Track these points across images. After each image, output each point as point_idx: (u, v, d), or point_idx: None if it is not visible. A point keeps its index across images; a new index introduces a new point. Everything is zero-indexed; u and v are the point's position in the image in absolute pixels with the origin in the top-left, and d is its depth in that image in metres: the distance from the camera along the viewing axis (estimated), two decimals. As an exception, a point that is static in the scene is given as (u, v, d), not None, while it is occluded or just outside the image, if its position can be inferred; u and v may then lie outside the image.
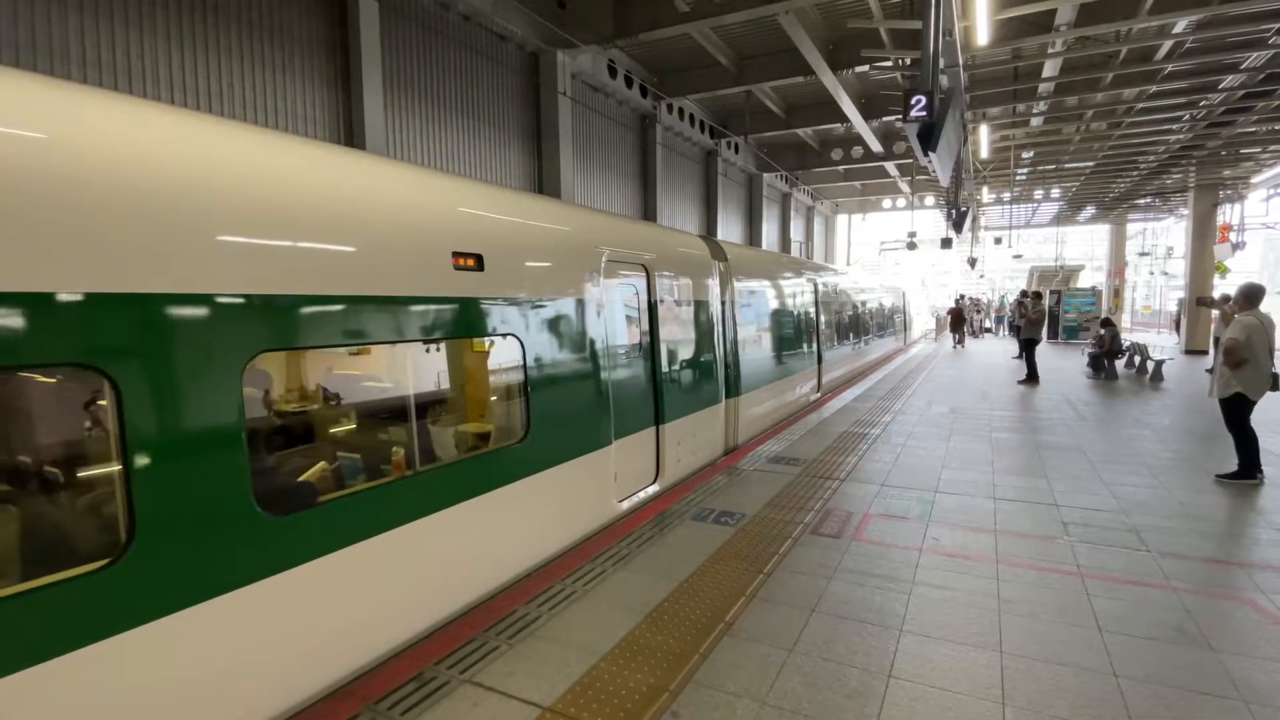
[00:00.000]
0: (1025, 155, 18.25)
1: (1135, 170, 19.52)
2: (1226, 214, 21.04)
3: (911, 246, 27.86)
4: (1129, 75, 11.92)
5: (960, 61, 8.89)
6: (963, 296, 32.47)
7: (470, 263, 3.87)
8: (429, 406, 3.97)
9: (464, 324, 3.83)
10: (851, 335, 15.10)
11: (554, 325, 4.63)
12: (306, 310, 2.92)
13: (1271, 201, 21.52)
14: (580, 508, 4.93)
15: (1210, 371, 10.47)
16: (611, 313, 5.40)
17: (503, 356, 4.29)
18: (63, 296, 2.17)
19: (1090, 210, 28.91)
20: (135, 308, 2.34)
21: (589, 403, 5.04)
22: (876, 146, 19.55)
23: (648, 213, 16.68)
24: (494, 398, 4.48)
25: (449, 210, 3.93)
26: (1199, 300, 17.16)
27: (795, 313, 10.73)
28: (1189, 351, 19.70)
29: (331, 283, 3.04)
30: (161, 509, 2.38)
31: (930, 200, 29.22)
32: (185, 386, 2.48)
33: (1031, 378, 13.19)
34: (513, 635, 3.42)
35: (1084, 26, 9.66)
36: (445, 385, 4.18)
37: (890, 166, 23.22)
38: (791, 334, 10.49)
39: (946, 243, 24.00)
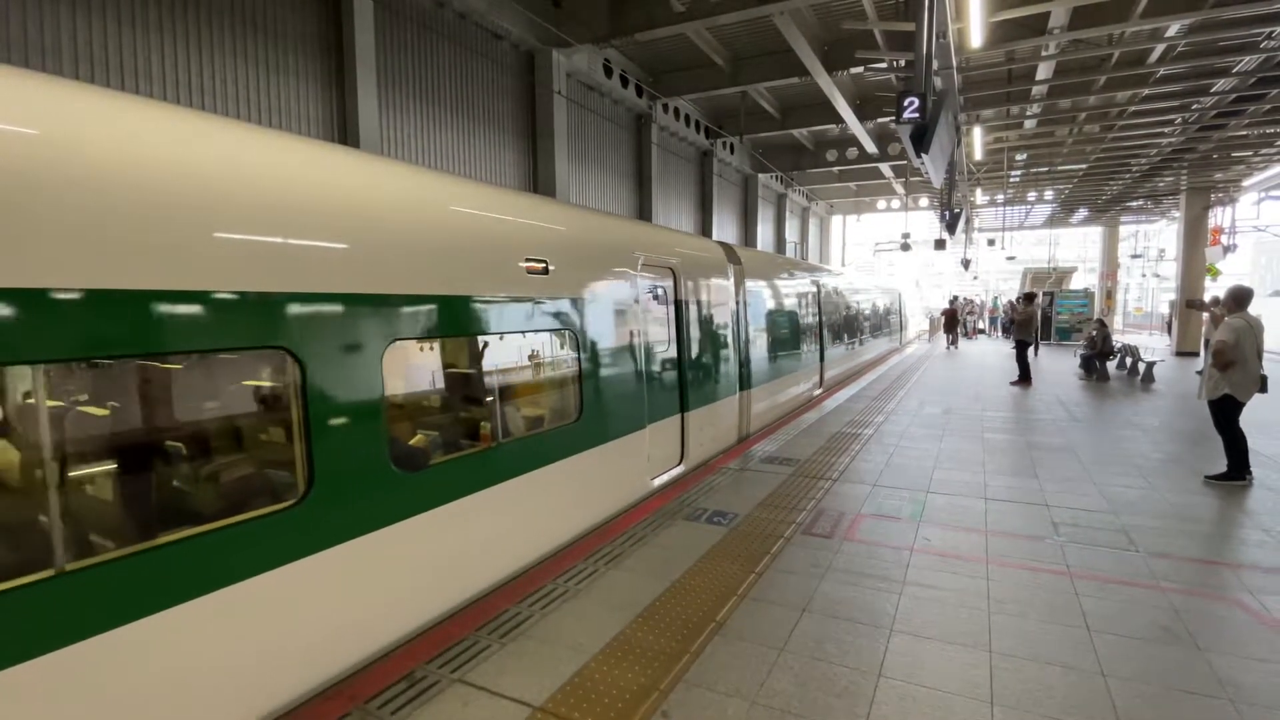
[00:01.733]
0: (1019, 157, 18.35)
1: (1128, 173, 19.65)
2: (1218, 217, 21.20)
3: (905, 248, 27.95)
4: (1122, 78, 12.00)
5: (954, 63, 8.92)
6: (956, 298, 32.57)
7: (539, 268, 4.56)
8: (508, 389, 4.60)
9: (534, 319, 4.53)
10: (851, 334, 15.72)
11: (601, 321, 5.30)
12: (433, 307, 3.68)
13: (1263, 205, 21.72)
14: (623, 481, 5.63)
15: (1200, 373, 10.55)
16: (646, 310, 6.06)
17: (561, 348, 4.94)
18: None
19: (1083, 212, 29.07)
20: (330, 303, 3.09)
21: (629, 390, 5.70)
22: (871, 148, 19.61)
23: (643, 213, 16.68)
24: (556, 383, 5.06)
25: (524, 224, 4.67)
26: (1189, 303, 17.28)
27: (801, 313, 11.33)
28: (1180, 353, 19.82)
29: (447, 286, 3.76)
30: (331, 464, 3.07)
31: (924, 201, 29.33)
32: (350, 364, 3.17)
33: (1024, 379, 13.25)
34: (504, 634, 3.42)
35: (1077, 29, 9.72)
36: (521, 371, 4.77)
37: (885, 168, 23.29)
38: (798, 332, 11.10)
39: (940, 244, 24.06)
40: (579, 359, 5.00)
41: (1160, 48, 10.61)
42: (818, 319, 12.44)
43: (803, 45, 11.62)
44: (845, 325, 15.06)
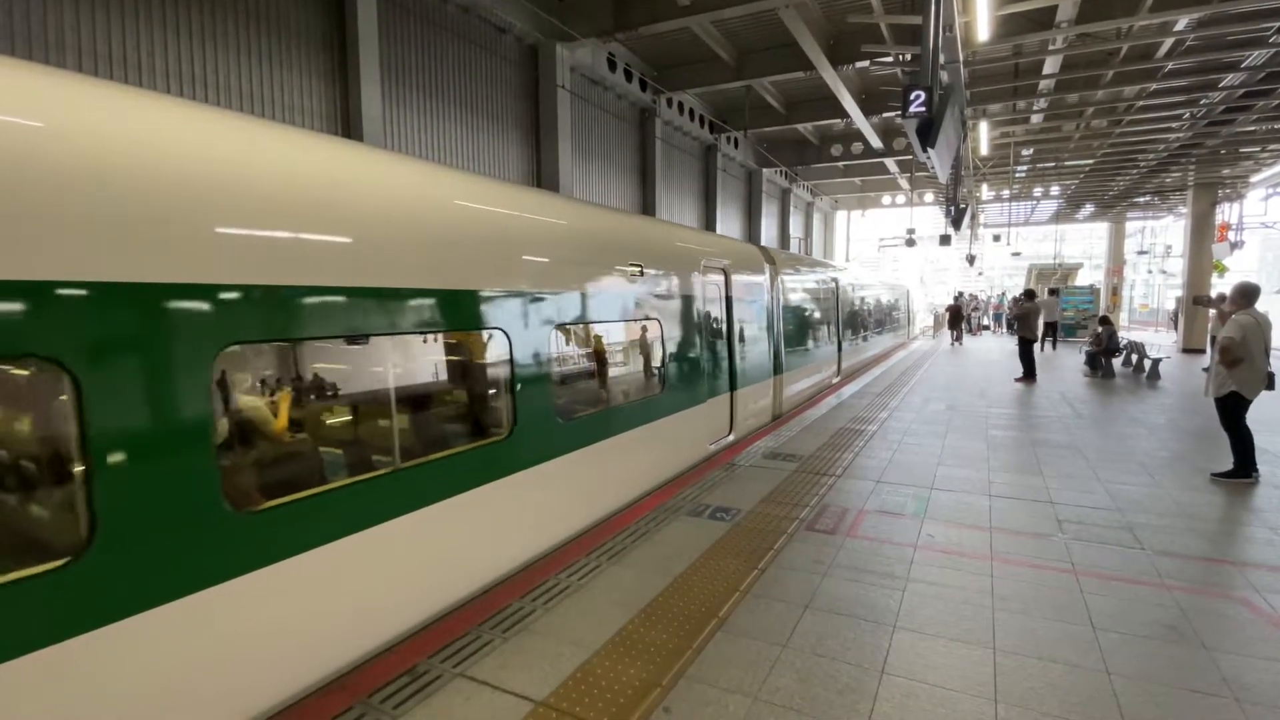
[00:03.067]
0: (1025, 152, 18.23)
1: (1134, 168, 19.51)
2: (1225, 213, 21.04)
3: (910, 243, 27.84)
4: (1129, 73, 11.89)
5: (960, 57, 8.86)
6: (961, 294, 32.46)
7: (636, 271, 5.80)
8: (622, 363, 6.09)
9: (637, 311, 5.89)
10: (865, 328, 17.19)
11: (675, 313, 6.54)
12: (583, 301, 5.04)
13: (1270, 201, 21.52)
14: (691, 443, 6.86)
15: (1207, 370, 10.49)
16: (706, 305, 7.23)
17: (650, 334, 6.30)
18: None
19: (1089, 208, 28.90)
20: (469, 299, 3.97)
21: (695, 370, 6.96)
22: (876, 143, 19.51)
23: (647, 207, 16.64)
24: (649, 362, 6.36)
25: (629, 235, 6.02)
26: (1196, 299, 17.18)
27: (823, 307, 12.75)
28: (1186, 350, 19.73)
29: (581, 285, 5.04)
30: (528, 412, 4.42)
31: (929, 197, 29.20)
32: (549, 340, 4.62)
33: (1028, 376, 13.20)
34: (506, 629, 3.42)
35: (1085, 23, 9.63)
36: (631, 349, 6.22)
37: (890, 163, 23.17)
38: (820, 325, 12.54)
39: (945, 240, 23.96)
40: (663, 343, 6.31)
41: (1168, 42, 10.52)
42: (837, 314, 13.78)
43: (808, 39, 11.55)
44: (860, 319, 16.39)
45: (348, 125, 9.07)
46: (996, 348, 21.72)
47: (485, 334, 4.16)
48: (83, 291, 2.26)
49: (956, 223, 19.23)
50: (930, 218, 35.79)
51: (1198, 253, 20.40)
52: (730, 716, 2.75)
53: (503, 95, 11.94)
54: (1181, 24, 9.90)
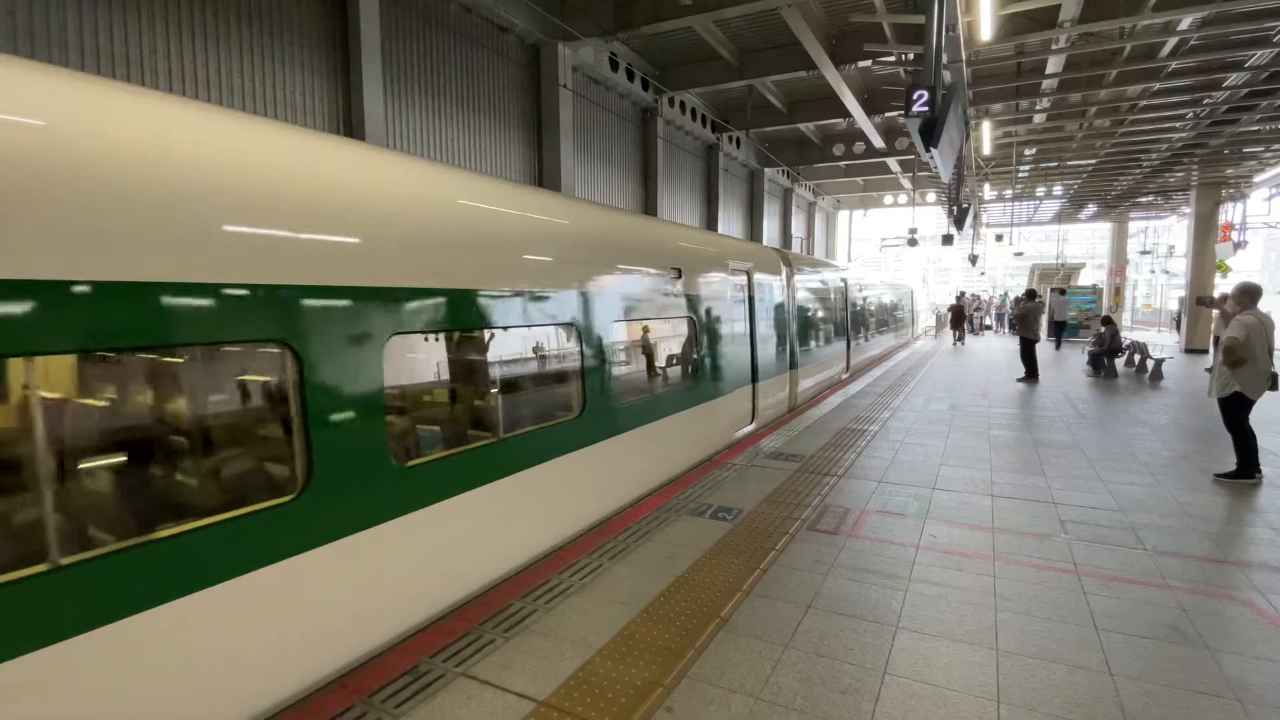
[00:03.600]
0: (1027, 152, 18.18)
1: (1138, 168, 19.46)
2: (1229, 213, 20.99)
3: (913, 243, 27.81)
4: (1133, 72, 11.86)
5: (963, 57, 8.83)
6: (963, 294, 32.42)
7: (676, 273, 6.48)
8: (663, 356, 6.71)
9: (676, 309, 6.53)
10: (872, 326, 17.86)
11: (707, 311, 7.12)
12: (635, 301, 5.71)
13: (1274, 201, 21.47)
14: (718, 429, 7.45)
15: (1210, 371, 10.46)
16: (732, 304, 7.85)
17: (684, 330, 6.89)
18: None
19: (1092, 208, 28.83)
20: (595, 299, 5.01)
21: (723, 363, 7.50)
22: (879, 142, 19.48)
23: (648, 207, 16.63)
24: (686, 355, 6.98)
25: (672, 242, 6.84)
26: (1199, 300, 17.14)
27: (834, 307, 13.39)
28: (1189, 350, 19.69)
29: (636, 289, 5.76)
30: (597, 393, 5.08)
31: (932, 197, 29.16)
32: (620, 333, 5.46)
33: (1031, 376, 13.17)
34: (508, 629, 3.42)
35: (1088, 23, 9.60)
36: (670, 343, 6.87)
37: (892, 162, 23.15)
38: (831, 323, 13.15)
39: (948, 239, 23.93)
40: (697, 339, 6.91)
41: (1172, 41, 10.48)
42: (846, 313, 14.46)
43: (810, 38, 11.53)
44: (867, 318, 17.16)
45: (350, 125, 9.08)
46: (999, 348, 21.68)
47: (565, 328, 4.86)
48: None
49: (959, 222, 19.22)
50: (933, 217, 35.74)
51: (1201, 253, 20.35)
52: (732, 716, 2.75)
53: (505, 94, 11.95)
54: (1185, 23, 9.87)
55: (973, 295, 33.52)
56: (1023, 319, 13.96)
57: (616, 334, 5.38)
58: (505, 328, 4.19)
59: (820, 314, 12.25)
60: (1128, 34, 10.37)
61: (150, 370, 2.71)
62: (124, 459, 2.64)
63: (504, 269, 4.11)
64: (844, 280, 14.38)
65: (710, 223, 20.12)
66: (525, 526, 4.32)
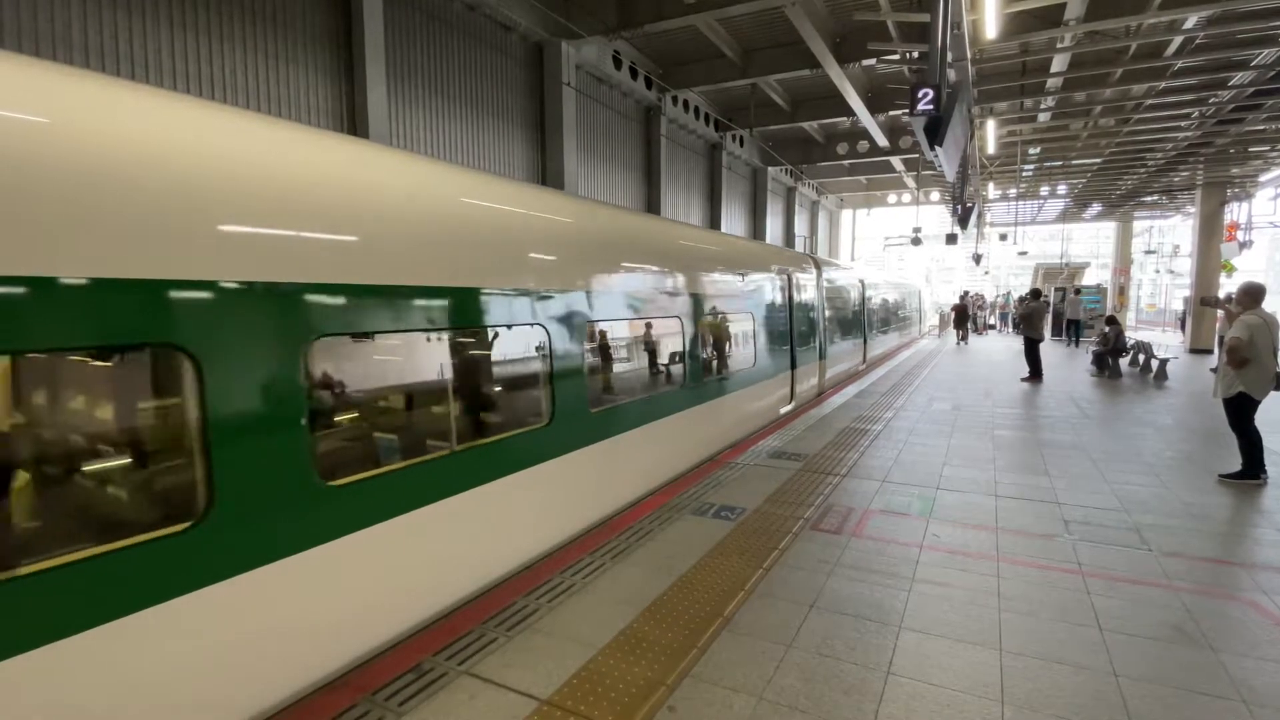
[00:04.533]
0: (1032, 151, 18.13)
1: (1143, 167, 19.40)
2: (1234, 212, 20.89)
3: (916, 242, 27.75)
4: (1138, 71, 11.82)
5: (968, 55, 8.81)
6: (967, 293, 32.34)
7: (741, 277, 8.03)
8: (730, 344, 7.88)
9: (743, 306, 8.06)
10: (885, 323, 19.18)
11: (761, 308, 8.64)
12: (711, 302, 7.04)
13: (1279, 201, 21.37)
14: (769, 406, 8.96)
15: (1215, 371, 10.42)
16: (775, 301, 9.27)
17: (745, 323, 8.20)
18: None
19: (1096, 207, 28.72)
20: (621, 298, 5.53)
21: (772, 351, 9.01)
22: (882, 141, 19.45)
23: (651, 205, 16.62)
24: (748, 342, 8.27)
25: (741, 252, 8.47)
26: (1203, 300, 17.07)
27: (852, 304, 14.72)
28: (1193, 350, 19.62)
29: (715, 293, 7.18)
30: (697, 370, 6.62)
31: (936, 196, 29.10)
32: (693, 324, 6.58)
33: (1034, 375, 13.14)
34: (511, 627, 3.42)
35: (1093, 21, 9.57)
36: (739, 333, 8.17)
37: (896, 161, 23.11)
38: (851, 319, 14.47)
39: (951, 239, 23.89)
40: (754, 330, 8.36)
41: (1178, 40, 10.45)
42: (864, 310, 15.86)
43: (814, 37, 11.51)
44: (881, 315, 18.57)
45: (353, 122, 9.08)
46: (1002, 347, 21.63)
47: (678, 321, 6.39)
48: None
49: (963, 221, 19.17)
50: (936, 216, 35.67)
51: (1206, 252, 20.27)
52: (735, 716, 2.74)
53: (508, 93, 11.95)
54: (1191, 22, 9.83)
55: (976, 295, 33.44)
56: (1027, 318, 13.93)
57: (707, 325, 7.09)
58: (651, 320, 6.07)
59: (843, 311, 13.72)
60: (1133, 32, 10.34)
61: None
62: None
63: (652, 285, 5.95)
64: (861, 281, 15.78)
65: (713, 222, 20.10)
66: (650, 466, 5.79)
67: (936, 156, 7.47)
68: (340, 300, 2.99)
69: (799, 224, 28.16)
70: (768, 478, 6.21)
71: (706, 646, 3.26)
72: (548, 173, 12.84)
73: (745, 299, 8.09)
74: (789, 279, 9.85)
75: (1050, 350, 13.59)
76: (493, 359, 4.23)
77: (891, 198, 31.81)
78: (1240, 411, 6.09)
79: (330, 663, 2.98)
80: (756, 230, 23.32)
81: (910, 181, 26.56)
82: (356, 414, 3.46)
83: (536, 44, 12.42)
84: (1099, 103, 13.73)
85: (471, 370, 4.04)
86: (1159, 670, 3.10)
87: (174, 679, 2.41)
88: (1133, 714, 2.77)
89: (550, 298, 4.44)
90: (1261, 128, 14.46)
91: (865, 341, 15.81)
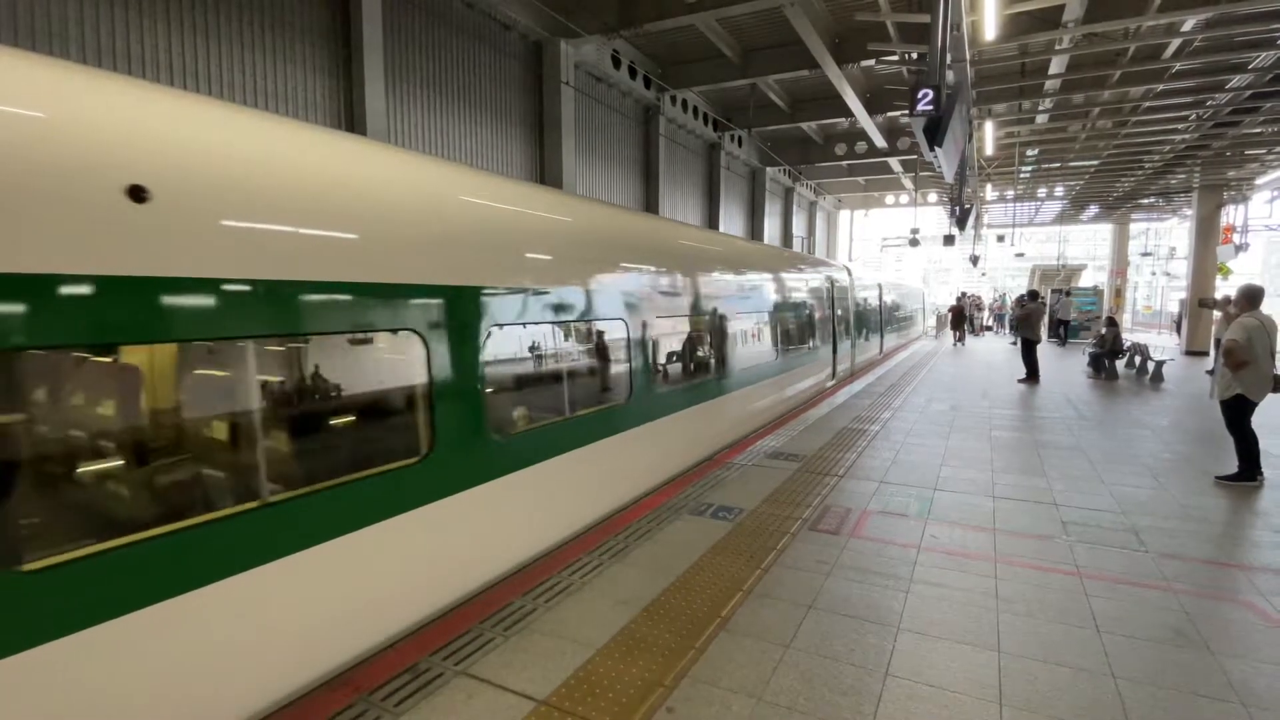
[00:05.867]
0: (1030, 153, 18.16)
1: (1140, 170, 19.45)
2: (1230, 215, 20.95)
3: (914, 243, 27.78)
4: (1136, 73, 11.85)
5: (967, 57, 8.82)
6: (964, 294, 32.39)
7: (806, 284, 10.93)
8: (794, 333, 10.19)
9: (809, 305, 10.89)
10: (895, 321, 21.72)
11: (821, 304, 11.63)
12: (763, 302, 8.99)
13: (1275, 203, 21.43)
14: (821, 375, 11.80)
15: (1211, 373, 10.44)
16: (824, 300, 11.99)
17: (815, 315, 11.16)
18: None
19: (1094, 209, 28.80)
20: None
21: (823, 337, 11.84)
22: (881, 142, 19.46)
23: (649, 205, 16.61)
24: (812, 330, 11.12)
25: (815, 265, 12.06)
26: (1201, 302, 17.13)
27: (873, 304, 17.53)
28: (1190, 352, 19.67)
29: (775, 297, 9.51)
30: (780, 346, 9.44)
31: (933, 197, 29.13)
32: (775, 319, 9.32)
33: (1031, 377, 13.16)
34: (508, 627, 3.41)
35: (1092, 23, 9.58)
36: (811, 322, 11.18)
37: (894, 162, 23.12)
38: (871, 317, 17.23)
39: (949, 240, 23.90)
40: (814, 321, 11.24)
41: (1176, 42, 10.47)
42: (881, 309, 18.58)
43: (813, 37, 11.51)
44: (895, 313, 21.51)
45: (351, 120, 9.05)
46: (1000, 348, 21.68)
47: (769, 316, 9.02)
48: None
49: (961, 223, 19.19)
50: (933, 217, 35.73)
51: (1202, 255, 20.32)
52: (734, 717, 2.73)
53: (507, 91, 11.92)
54: (1189, 25, 9.85)
55: (974, 296, 33.49)
56: (1025, 320, 13.95)
57: (791, 320, 10.01)
58: (767, 314, 8.90)
59: (866, 310, 16.56)
60: (1132, 35, 10.36)
61: None
62: None
63: (754, 294, 8.51)
64: (879, 285, 18.71)
65: (711, 221, 20.09)
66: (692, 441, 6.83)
67: (936, 157, 7.47)
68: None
69: (797, 224, 28.17)
70: (766, 478, 6.20)
71: (704, 647, 3.25)
72: (546, 172, 12.82)
73: (815, 298, 11.44)
74: (833, 285, 12.81)
75: (1042, 350, 13.61)
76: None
77: (889, 199, 31.83)
78: (1237, 413, 6.11)
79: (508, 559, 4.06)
80: (754, 231, 23.32)
81: (908, 183, 26.58)
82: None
83: (536, 42, 12.40)
84: (1097, 105, 13.76)
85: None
86: (1157, 672, 3.10)
87: (410, 568, 3.36)
88: (1131, 716, 2.77)
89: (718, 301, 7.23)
90: (1258, 131, 14.51)
91: (882, 335, 18.77)
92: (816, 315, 11.38)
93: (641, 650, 3.21)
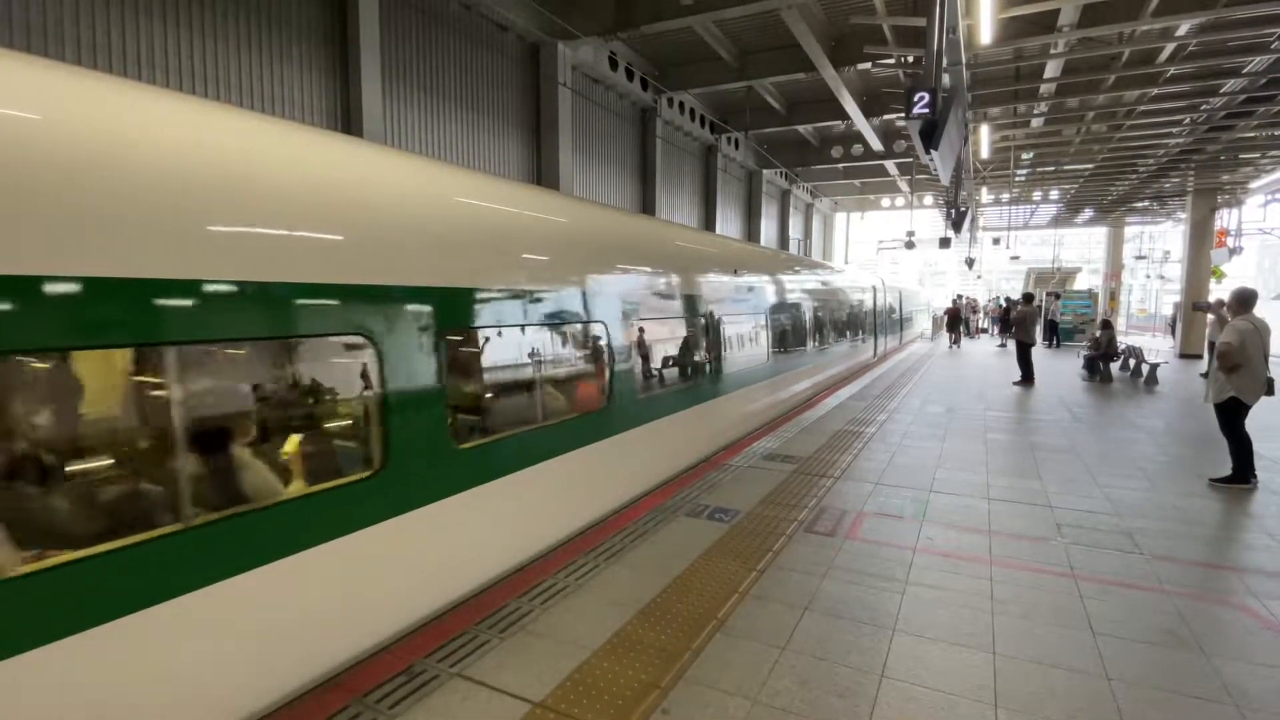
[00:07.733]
0: (1025, 156, 18.23)
1: (1134, 173, 19.53)
2: (1224, 219, 21.05)
3: (910, 246, 27.85)
4: (1130, 77, 11.90)
5: (963, 60, 8.85)
6: (960, 297, 32.46)
7: (862, 295, 16.72)
8: (845, 328, 14.68)
9: (865, 309, 16.86)
10: (904, 321, 25.03)
11: (869, 305, 17.37)
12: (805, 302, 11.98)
13: (1269, 207, 21.54)
14: (866, 356, 16.90)
15: (1205, 376, 10.49)
16: (868, 303, 17.18)
17: (855, 315, 15.68)
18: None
19: (1088, 212, 28.92)
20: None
21: (869, 328, 17.28)
22: (877, 145, 19.50)
23: (646, 207, 16.62)
24: (862, 324, 16.42)
25: (860, 276, 17.93)
26: (1195, 305, 17.20)
27: (894, 308, 21.67)
28: (1184, 355, 19.76)
29: (868, 300, 17.05)
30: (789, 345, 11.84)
31: (929, 200, 29.20)
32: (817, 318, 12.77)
33: (1026, 379, 13.20)
34: (504, 629, 3.40)
35: (1087, 27, 9.63)
36: (863, 321, 16.63)
37: (890, 165, 23.18)
38: (892, 317, 21.32)
39: (945, 242, 23.98)
40: (861, 319, 16.09)
41: (1170, 47, 10.52)
42: (898, 311, 22.81)
43: (810, 40, 11.54)
44: (908, 313, 25.62)
45: (348, 121, 9.04)
46: (995, 351, 21.74)
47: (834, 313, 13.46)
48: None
49: (956, 225, 19.26)
50: (929, 220, 35.82)
51: (1196, 258, 20.41)
52: (730, 719, 2.73)
53: (504, 93, 11.92)
54: (1183, 29, 9.90)
55: (969, 299, 33.57)
56: (1020, 323, 13.99)
57: (855, 320, 15.20)
58: (817, 315, 11.90)
59: (890, 313, 20.88)
60: (1126, 39, 10.40)
61: None
62: None
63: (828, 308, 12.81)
64: (899, 291, 23.18)
65: (708, 223, 20.11)
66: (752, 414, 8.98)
67: (932, 160, 7.50)
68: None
69: (793, 226, 28.22)
70: (762, 480, 6.20)
71: (700, 649, 3.25)
72: (543, 173, 12.81)
73: (867, 302, 16.87)
74: (873, 293, 17.80)
75: (1034, 353, 13.67)
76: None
77: (885, 201, 31.90)
78: (1231, 416, 6.14)
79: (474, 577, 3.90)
80: (751, 233, 23.35)
81: (904, 185, 26.66)
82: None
83: (533, 44, 12.40)
84: (1092, 108, 13.82)
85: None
86: (1152, 674, 3.11)
87: (372, 582, 3.20)
88: (1125, 717, 2.78)
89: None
90: (1252, 135, 14.58)
91: (901, 331, 23.44)
92: (864, 314, 16.48)
93: (638, 652, 3.21)
